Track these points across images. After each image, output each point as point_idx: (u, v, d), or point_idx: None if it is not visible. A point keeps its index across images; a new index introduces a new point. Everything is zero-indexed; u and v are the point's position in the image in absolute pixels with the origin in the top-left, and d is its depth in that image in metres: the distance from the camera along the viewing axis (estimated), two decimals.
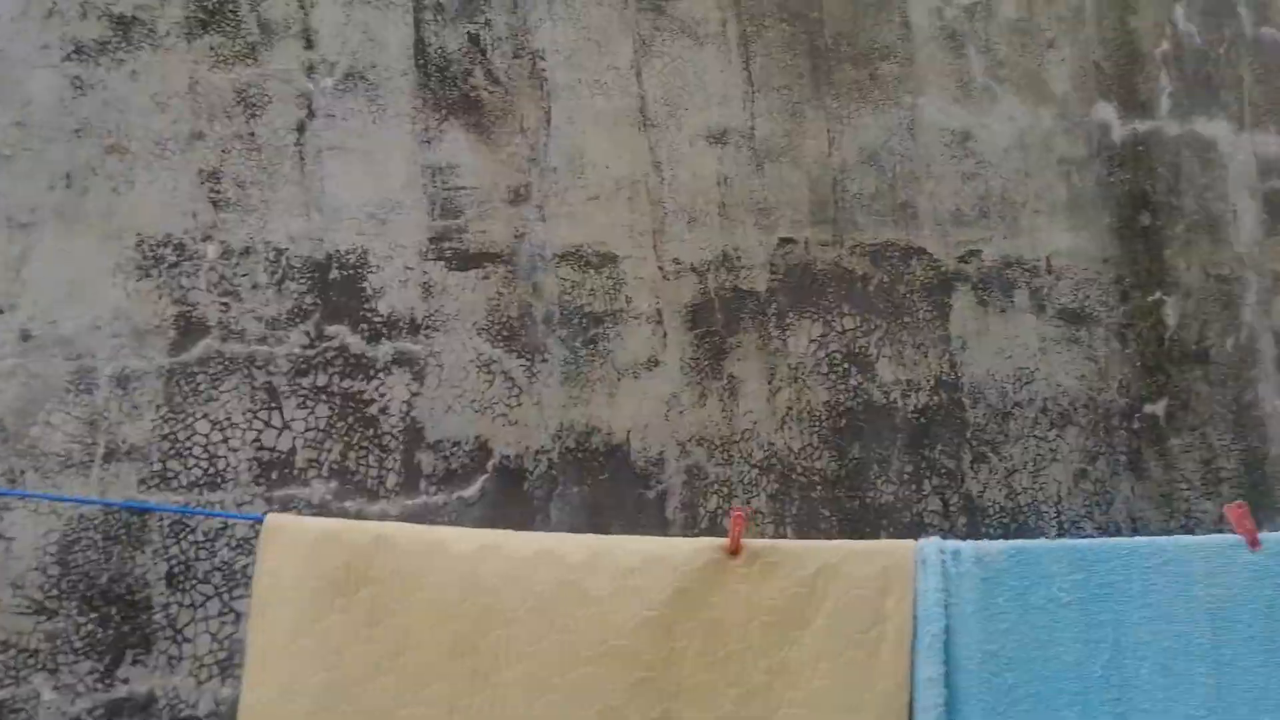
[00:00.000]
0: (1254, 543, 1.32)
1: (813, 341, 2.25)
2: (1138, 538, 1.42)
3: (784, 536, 2.15)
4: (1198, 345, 2.44)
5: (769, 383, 2.21)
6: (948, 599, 1.34)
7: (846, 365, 2.26)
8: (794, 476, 2.19)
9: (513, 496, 2.00)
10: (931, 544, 1.37)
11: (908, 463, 2.25)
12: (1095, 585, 1.34)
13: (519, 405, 2.04)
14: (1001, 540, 1.44)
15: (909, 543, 1.39)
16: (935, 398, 2.29)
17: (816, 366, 2.25)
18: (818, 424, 2.22)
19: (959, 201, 2.36)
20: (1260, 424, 2.47)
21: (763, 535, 2.13)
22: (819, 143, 2.31)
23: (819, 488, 2.20)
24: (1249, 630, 1.31)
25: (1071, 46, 2.46)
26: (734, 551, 1.38)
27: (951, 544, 1.37)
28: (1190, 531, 2.22)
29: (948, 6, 2.41)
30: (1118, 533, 2.30)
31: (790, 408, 2.21)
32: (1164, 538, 1.38)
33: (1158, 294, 2.44)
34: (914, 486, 2.25)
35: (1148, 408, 2.39)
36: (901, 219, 2.33)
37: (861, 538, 2.15)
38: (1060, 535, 2.29)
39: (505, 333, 2.07)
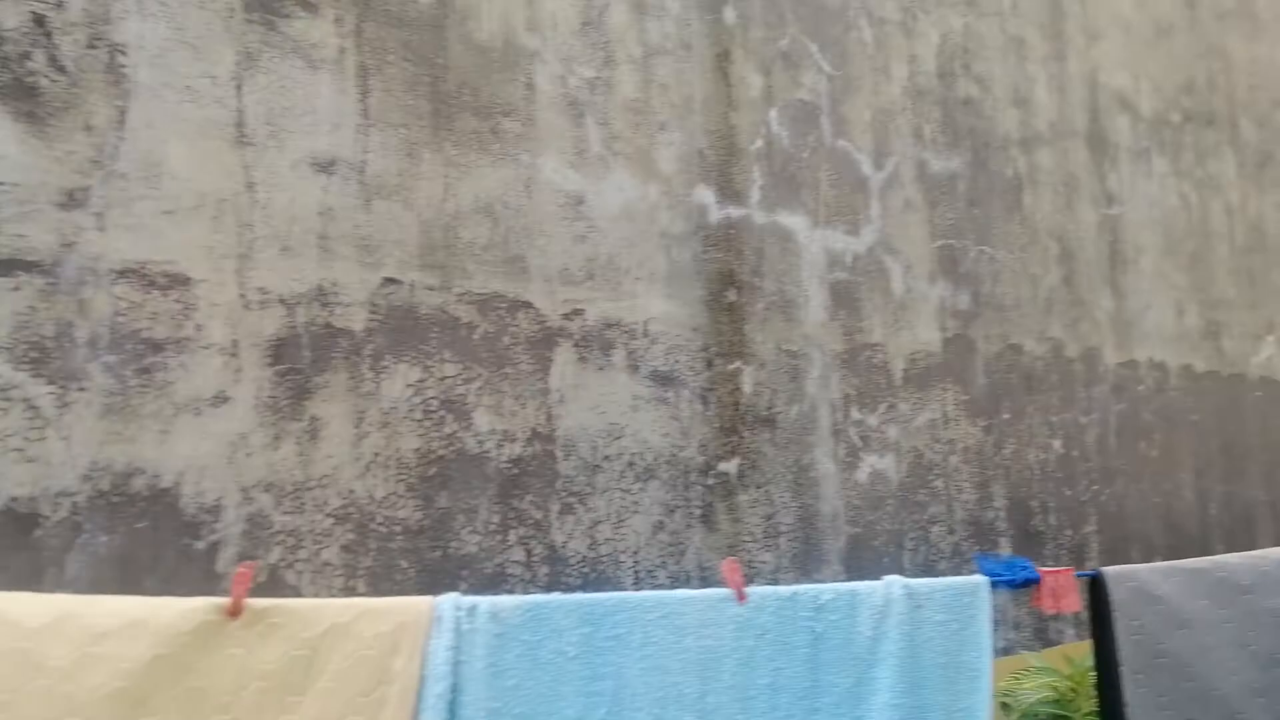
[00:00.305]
0: (741, 596, 1.45)
1: (409, 386, 2.20)
2: (644, 591, 1.52)
3: (355, 590, 2.05)
4: (767, 411, 2.72)
5: (356, 426, 2.12)
6: (458, 656, 1.32)
7: (443, 412, 2.23)
8: (373, 526, 2.10)
9: (16, 546, 1.71)
10: (448, 600, 1.35)
11: (496, 512, 2.26)
12: (601, 638, 1.39)
13: (40, 439, 1.77)
14: (518, 596, 1.46)
15: (426, 599, 1.36)
16: (530, 448, 2.33)
17: (410, 412, 2.19)
18: (406, 471, 2.16)
19: (568, 261, 2.45)
20: (815, 484, 2.80)
21: (330, 589, 2.02)
22: (434, 186, 2.29)
23: (399, 538, 2.13)
24: (731, 679, 1.43)
25: (680, 132, 2.68)
26: (235, 612, 1.27)
27: (469, 600, 1.36)
28: (750, 581, 2.43)
29: (571, 76, 2.52)
30: (687, 582, 2.47)
31: (377, 454, 2.13)
32: (667, 591, 1.48)
33: (737, 363, 2.69)
34: (500, 537, 2.26)
35: (722, 465, 2.62)
36: (511, 272, 2.37)
37: (440, 590, 2.10)
38: (636, 584, 2.41)
39: (34, 354, 1.79)
